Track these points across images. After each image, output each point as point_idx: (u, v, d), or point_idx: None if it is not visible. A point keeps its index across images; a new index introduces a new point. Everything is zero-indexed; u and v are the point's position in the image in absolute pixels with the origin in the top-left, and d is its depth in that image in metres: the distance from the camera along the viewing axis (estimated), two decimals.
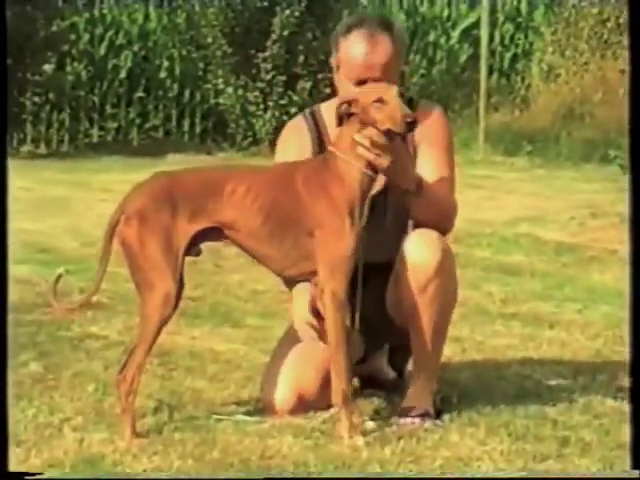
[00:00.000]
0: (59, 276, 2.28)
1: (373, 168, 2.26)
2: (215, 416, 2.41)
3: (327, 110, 2.55)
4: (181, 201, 2.22)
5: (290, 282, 2.43)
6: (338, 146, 2.28)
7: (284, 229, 2.24)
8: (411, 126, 2.21)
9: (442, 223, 2.44)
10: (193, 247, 2.26)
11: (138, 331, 2.24)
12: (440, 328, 2.41)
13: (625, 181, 5.13)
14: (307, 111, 2.58)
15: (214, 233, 2.26)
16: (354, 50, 2.43)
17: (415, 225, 2.46)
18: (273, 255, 2.27)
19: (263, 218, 2.24)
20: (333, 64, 2.50)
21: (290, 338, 2.54)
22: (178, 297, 2.23)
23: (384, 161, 2.26)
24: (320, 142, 2.51)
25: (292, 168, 2.30)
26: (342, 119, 2.26)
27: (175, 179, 2.26)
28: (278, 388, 2.43)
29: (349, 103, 2.25)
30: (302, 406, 2.41)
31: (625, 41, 9.01)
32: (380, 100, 2.22)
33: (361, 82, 2.41)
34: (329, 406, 2.38)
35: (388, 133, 2.23)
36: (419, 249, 2.35)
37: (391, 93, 2.23)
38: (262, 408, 2.45)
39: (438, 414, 2.41)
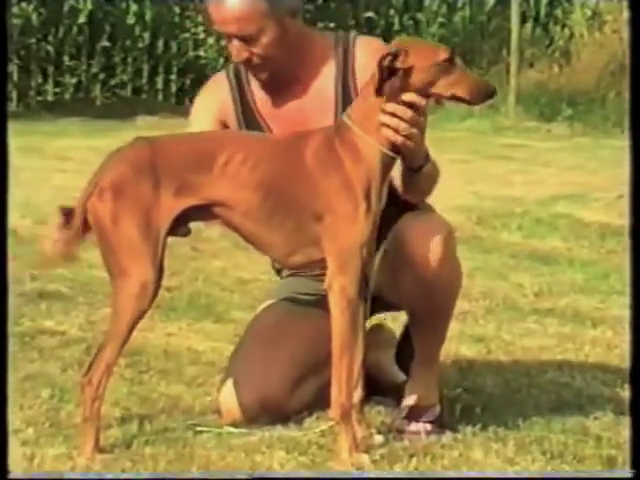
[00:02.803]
0: (68, 211, 2.22)
1: (396, 148, 2.24)
2: (193, 427, 2.41)
3: None
4: (165, 173, 2.20)
5: (296, 270, 2.45)
6: (354, 117, 2.24)
7: (287, 210, 2.23)
8: (490, 97, 2.24)
9: (427, 194, 2.49)
10: (179, 227, 2.25)
11: (109, 325, 2.24)
12: (443, 318, 2.46)
13: None
14: (231, 68, 2.57)
15: (203, 212, 2.25)
16: (213, 2, 2.42)
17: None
18: (273, 240, 2.26)
19: (262, 195, 2.22)
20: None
21: (255, 330, 2.57)
22: (157, 286, 2.22)
23: (412, 143, 2.24)
24: (244, 107, 2.52)
25: (299, 138, 2.28)
26: (383, 78, 2.18)
27: (158, 146, 2.24)
28: (238, 390, 2.46)
29: (394, 56, 2.17)
30: (266, 412, 2.44)
31: None
32: (450, 60, 2.20)
33: (230, 38, 2.40)
34: (298, 412, 2.43)
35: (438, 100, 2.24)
36: (421, 239, 2.38)
37: (453, 56, 2.21)
38: (217, 412, 2.48)
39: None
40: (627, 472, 2.12)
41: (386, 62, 2.18)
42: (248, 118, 2.53)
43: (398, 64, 2.18)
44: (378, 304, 2.51)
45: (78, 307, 3.58)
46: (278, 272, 2.72)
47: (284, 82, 2.49)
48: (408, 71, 2.19)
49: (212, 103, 2.55)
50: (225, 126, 2.54)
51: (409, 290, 2.40)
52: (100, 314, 3.48)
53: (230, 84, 2.55)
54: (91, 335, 3.24)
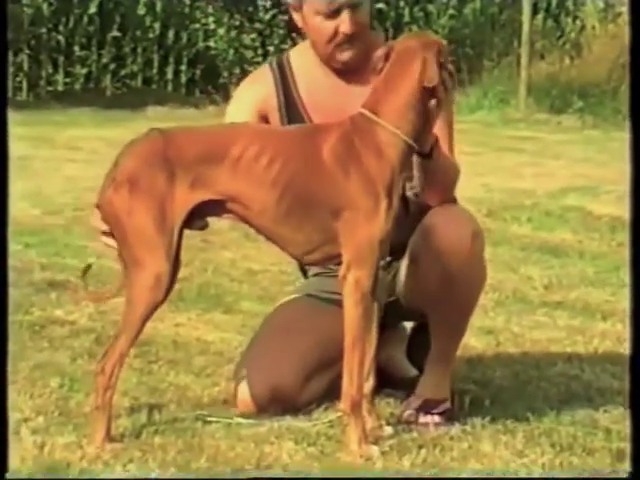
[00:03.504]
0: (88, 267, 2.30)
1: (416, 137, 2.23)
2: (202, 417, 2.42)
3: (297, 58, 2.57)
4: (179, 165, 2.20)
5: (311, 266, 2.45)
6: (379, 109, 2.23)
7: (304, 208, 2.22)
8: None
9: (448, 190, 2.47)
10: (195, 220, 2.25)
11: (123, 315, 2.24)
12: (465, 315, 2.46)
13: None
14: (274, 60, 2.60)
15: (219, 207, 2.24)
16: None
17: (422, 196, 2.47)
18: (292, 237, 2.25)
19: (279, 194, 2.21)
20: (291, 5, 2.50)
21: (272, 322, 2.58)
22: (172, 278, 2.22)
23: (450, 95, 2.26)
24: (288, 98, 2.53)
25: (315, 133, 2.27)
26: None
27: (172, 139, 2.24)
28: (250, 382, 2.46)
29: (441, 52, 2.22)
30: (276, 403, 2.45)
31: None
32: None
33: (335, 12, 2.42)
34: (309, 404, 2.44)
35: None
36: (448, 232, 2.37)
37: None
38: (228, 401, 2.50)
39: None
40: (626, 472, 2.11)
41: (444, 60, 2.23)
42: (291, 111, 2.53)
43: (439, 71, 2.22)
44: (393, 313, 2.51)
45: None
46: (304, 272, 2.73)
47: (340, 73, 2.51)
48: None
49: (253, 96, 2.54)
50: (265, 120, 2.54)
51: (432, 282, 2.38)
52: (110, 304, 3.46)
53: (274, 76, 2.55)
54: (101, 325, 3.25)
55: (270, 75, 2.56)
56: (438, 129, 2.38)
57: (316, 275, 2.67)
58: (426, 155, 2.34)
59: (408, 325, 2.69)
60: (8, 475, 2.08)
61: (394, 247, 2.39)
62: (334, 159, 2.22)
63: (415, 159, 2.34)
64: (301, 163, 2.22)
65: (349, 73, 2.52)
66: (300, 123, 2.50)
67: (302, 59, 2.56)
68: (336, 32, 2.44)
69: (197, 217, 2.25)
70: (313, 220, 2.23)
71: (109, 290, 2.35)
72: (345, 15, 2.43)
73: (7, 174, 2.42)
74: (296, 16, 2.51)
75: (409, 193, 2.49)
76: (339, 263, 2.24)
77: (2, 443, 2.14)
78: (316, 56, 2.54)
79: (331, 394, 2.42)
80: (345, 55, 2.49)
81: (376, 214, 2.20)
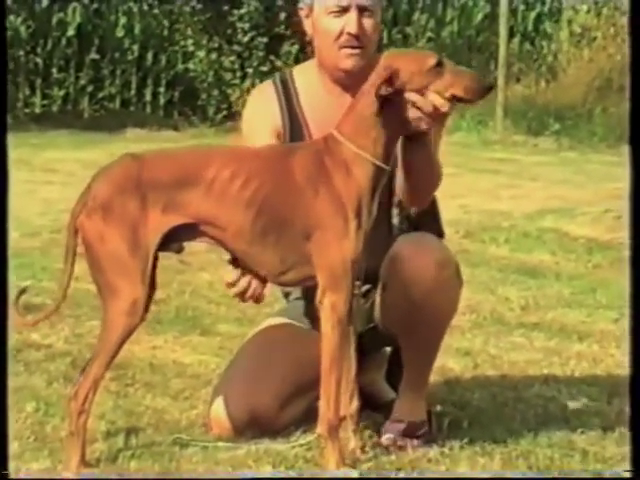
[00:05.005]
0: (23, 290, 2.27)
1: (386, 159, 2.23)
2: (180, 441, 2.40)
3: (300, 75, 2.57)
4: (152, 190, 2.20)
5: (288, 287, 2.45)
6: (344, 129, 2.24)
7: (279, 228, 2.22)
8: (488, 91, 2.23)
9: (430, 188, 2.46)
10: (170, 244, 2.24)
11: (98, 340, 2.23)
12: (434, 342, 2.46)
13: None
14: (277, 76, 2.60)
15: (193, 230, 2.23)
16: None
17: (406, 191, 2.45)
18: (267, 258, 2.25)
19: (253, 215, 2.21)
20: (303, 11, 2.52)
21: (250, 345, 2.58)
22: (148, 302, 2.22)
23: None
24: (291, 113, 2.53)
25: (287, 152, 2.28)
26: (383, 104, 2.19)
27: (146, 163, 2.23)
28: (227, 403, 2.46)
29: (390, 81, 2.18)
30: (254, 427, 2.44)
31: None
32: (440, 64, 2.20)
33: (343, 10, 2.44)
34: (287, 427, 2.43)
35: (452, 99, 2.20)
36: (413, 261, 2.37)
37: (441, 58, 2.22)
38: (206, 425, 2.49)
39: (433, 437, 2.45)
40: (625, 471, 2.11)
41: (383, 91, 2.18)
42: (294, 129, 2.52)
43: (395, 86, 2.18)
44: (374, 339, 2.51)
45: (64, 320, 3.56)
46: (285, 295, 2.73)
47: (343, 86, 2.50)
48: (403, 86, 2.19)
49: (265, 116, 2.53)
50: (279, 136, 2.52)
51: (400, 311, 2.39)
52: (86, 327, 3.47)
53: (277, 91, 2.55)
54: (77, 348, 3.23)
55: (273, 90, 2.56)
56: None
57: (297, 299, 2.67)
58: (414, 139, 2.30)
59: (388, 349, 2.69)
60: None
61: (375, 274, 2.39)
62: (305, 179, 2.22)
63: (401, 143, 2.31)
64: (274, 183, 2.22)
65: (352, 91, 2.49)
66: (302, 139, 2.49)
67: (305, 77, 2.56)
68: (342, 32, 2.45)
69: (172, 241, 2.24)
70: (287, 240, 2.23)
71: (43, 312, 2.32)
72: (352, 15, 2.44)
73: (7, 199, 2.39)
74: (306, 23, 2.52)
75: (395, 220, 2.50)
76: (314, 285, 2.24)
77: (2, 445, 2.12)
78: (320, 74, 2.53)
79: (309, 417, 2.41)
80: (349, 62, 2.46)
81: (346, 234, 2.19)
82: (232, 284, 2.32)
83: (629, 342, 2.27)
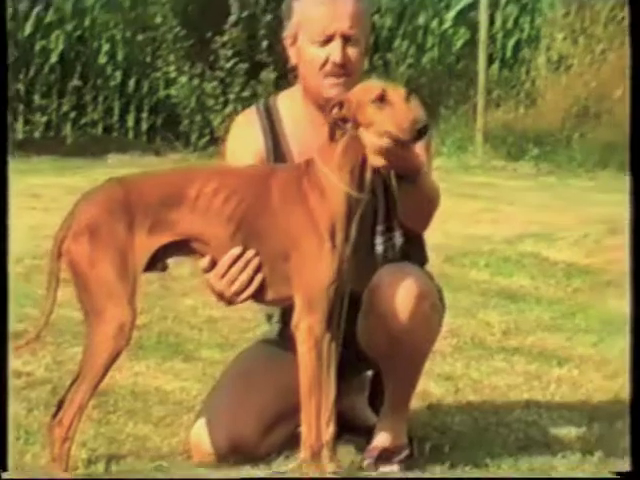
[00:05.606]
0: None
1: (359, 187, 2.23)
2: (162, 468, 2.39)
3: (285, 102, 2.57)
4: (139, 212, 2.20)
5: (266, 305, 2.45)
6: (321, 155, 2.24)
7: (258, 246, 2.23)
8: (421, 134, 2.14)
9: (429, 216, 2.46)
10: (156, 263, 2.24)
11: (83, 365, 2.21)
12: (414, 371, 2.46)
13: None
14: (261, 103, 2.61)
15: (180, 247, 2.24)
16: (314, 3, 2.46)
17: (402, 221, 2.46)
18: None
19: (233, 229, 2.23)
20: (287, 40, 2.52)
21: (232, 371, 2.57)
22: (133, 325, 2.21)
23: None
24: (275, 141, 2.53)
25: (267, 173, 2.29)
26: (334, 128, 2.20)
27: (130, 186, 2.24)
28: (210, 431, 2.44)
29: (340, 105, 2.20)
30: (237, 454, 2.43)
31: None
32: (381, 98, 2.17)
33: (328, 40, 2.44)
34: (269, 453, 2.42)
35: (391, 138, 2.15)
36: (392, 293, 2.37)
37: (399, 92, 2.17)
38: (188, 452, 2.47)
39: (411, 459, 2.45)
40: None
41: (334, 114, 2.19)
42: (277, 152, 2.52)
43: (344, 113, 2.19)
44: (355, 363, 2.51)
45: (46, 347, 3.53)
46: (268, 319, 2.72)
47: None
48: (354, 116, 2.19)
49: (248, 142, 2.53)
50: (262, 163, 2.51)
51: (379, 341, 2.39)
52: (68, 354, 3.45)
53: (261, 118, 2.55)
54: (58, 376, 3.20)
55: (256, 116, 2.56)
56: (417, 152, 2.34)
57: (279, 322, 2.66)
58: (410, 181, 2.30)
59: (369, 373, 2.69)
60: None
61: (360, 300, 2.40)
62: (282, 199, 2.23)
63: (396, 184, 2.31)
64: (253, 201, 2.24)
65: None
66: (284, 163, 2.48)
67: (290, 104, 2.55)
68: (326, 60, 2.45)
69: (158, 260, 2.24)
70: (265, 258, 2.23)
71: (25, 338, 2.30)
72: (337, 44, 2.44)
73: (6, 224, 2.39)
74: (291, 51, 2.52)
75: (379, 248, 2.50)
76: (292, 305, 2.24)
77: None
78: (304, 101, 2.53)
79: (292, 442, 2.40)
80: (333, 90, 2.46)
81: (320, 256, 2.20)
82: (207, 269, 2.25)
83: (629, 368, 2.28)
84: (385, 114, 2.16)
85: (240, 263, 2.23)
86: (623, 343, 3.77)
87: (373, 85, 2.21)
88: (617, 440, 2.67)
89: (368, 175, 2.24)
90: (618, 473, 2.20)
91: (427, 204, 2.41)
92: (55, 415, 2.23)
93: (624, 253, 5.48)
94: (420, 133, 2.14)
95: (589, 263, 5.19)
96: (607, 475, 2.38)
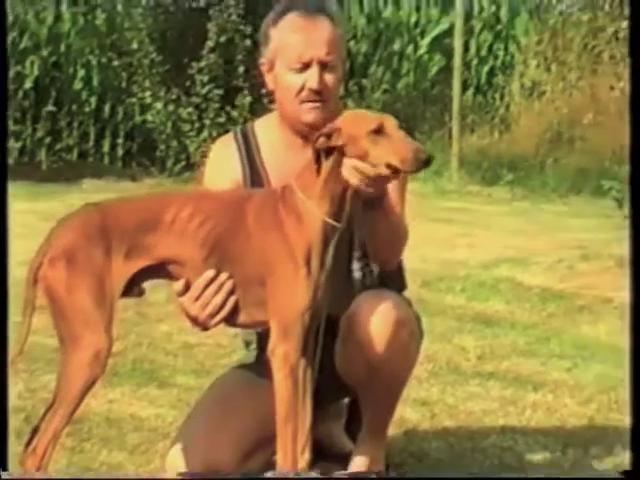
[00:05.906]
0: None
1: (337, 216, 2.23)
2: None
3: (262, 128, 2.58)
4: (115, 237, 2.19)
5: (239, 328, 2.43)
6: (299, 181, 2.24)
7: (230, 269, 2.23)
8: (426, 164, 2.12)
9: (400, 247, 2.45)
10: (132, 287, 2.23)
11: (58, 393, 2.19)
12: (391, 399, 2.47)
13: (621, 217, 5.23)
14: (238, 129, 2.61)
15: (156, 271, 2.24)
16: (291, 30, 2.46)
17: (372, 253, 2.45)
18: None
19: (207, 252, 2.22)
20: (264, 66, 2.52)
21: (209, 398, 2.56)
22: (108, 352, 2.19)
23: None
24: (252, 167, 2.54)
25: (243, 198, 2.29)
26: (320, 155, 2.19)
27: (107, 211, 2.24)
28: (186, 458, 2.43)
29: (329, 135, 2.19)
30: None
31: (620, 54, 9.23)
32: (379, 130, 2.16)
33: (305, 66, 2.44)
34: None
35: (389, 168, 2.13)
36: (369, 322, 2.37)
37: (391, 122, 2.17)
38: (162, 479, 2.46)
39: None
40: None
41: (319, 144, 2.18)
42: (255, 179, 2.52)
43: (332, 143, 2.18)
44: (333, 389, 2.50)
45: (18, 374, 3.50)
46: (247, 345, 2.71)
47: (305, 139, 2.48)
48: (343, 146, 2.18)
49: (225, 169, 2.52)
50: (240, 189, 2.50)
51: (356, 369, 2.39)
52: (41, 382, 3.42)
53: (238, 144, 2.55)
54: (31, 404, 3.17)
55: (233, 142, 2.56)
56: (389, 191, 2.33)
57: (257, 349, 2.65)
58: (372, 205, 2.28)
59: (346, 400, 2.68)
60: None
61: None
62: (257, 223, 2.23)
63: (364, 212, 2.29)
64: (228, 225, 2.23)
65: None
66: (261, 188, 2.48)
67: (267, 130, 2.55)
68: (303, 87, 2.45)
69: (134, 284, 2.23)
70: (239, 281, 2.23)
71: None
72: (314, 71, 2.44)
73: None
74: (268, 77, 2.52)
75: (356, 274, 2.50)
76: (267, 330, 2.24)
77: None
78: (282, 127, 2.52)
79: (268, 469, 2.39)
80: (310, 116, 2.46)
81: (295, 282, 2.19)
82: (181, 293, 2.24)
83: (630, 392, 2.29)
84: (383, 146, 2.15)
85: (214, 285, 2.23)
86: (597, 368, 3.80)
87: (367, 117, 2.20)
88: (590, 465, 2.68)
89: (347, 205, 2.24)
90: None
91: (394, 233, 2.40)
92: (28, 444, 2.20)
93: (597, 278, 5.53)
94: (425, 164, 2.13)
95: (563, 288, 5.21)
96: None
